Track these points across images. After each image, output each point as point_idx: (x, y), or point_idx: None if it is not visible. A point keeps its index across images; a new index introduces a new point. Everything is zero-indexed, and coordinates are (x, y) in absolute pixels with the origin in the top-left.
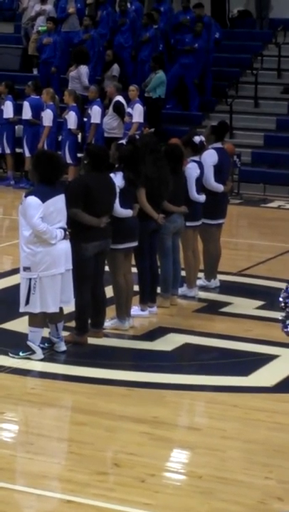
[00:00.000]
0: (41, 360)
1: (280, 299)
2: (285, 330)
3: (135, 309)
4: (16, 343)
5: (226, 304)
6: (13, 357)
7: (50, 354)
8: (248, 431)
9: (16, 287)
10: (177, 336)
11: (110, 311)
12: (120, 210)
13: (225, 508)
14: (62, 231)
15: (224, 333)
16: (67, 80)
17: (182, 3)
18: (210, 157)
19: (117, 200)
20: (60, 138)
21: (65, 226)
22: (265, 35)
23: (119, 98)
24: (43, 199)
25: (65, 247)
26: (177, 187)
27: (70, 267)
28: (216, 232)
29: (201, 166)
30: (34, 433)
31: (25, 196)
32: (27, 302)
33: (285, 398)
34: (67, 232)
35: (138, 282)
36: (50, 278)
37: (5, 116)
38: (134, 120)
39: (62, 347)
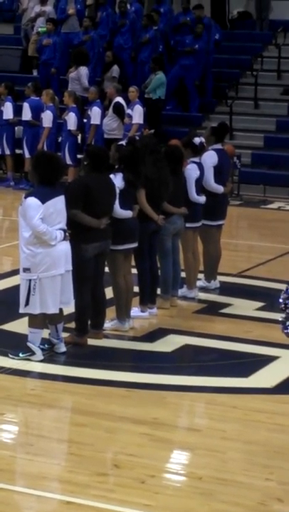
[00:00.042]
0: (41, 361)
1: (280, 300)
2: (285, 331)
3: (135, 310)
4: (16, 344)
5: (226, 305)
6: (13, 358)
7: (50, 355)
8: (248, 432)
9: (16, 288)
10: (177, 337)
11: (110, 312)
12: (120, 211)
13: (225, 510)
14: (62, 232)
15: (224, 335)
16: (67, 81)
17: (182, 4)
18: (210, 158)
19: (117, 201)
20: (59, 139)
21: (65, 227)
22: (265, 36)
23: (119, 99)
24: (43, 200)
25: (65, 248)
26: (177, 188)
27: (70, 268)
28: (216, 233)
29: (201, 167)
30: (34, 434)
31: (25, 197)
32: (27, 303)
33: (285, 399)
34: (67, 234)
35: (138, 283)
36: (50, 279)
37: (5, 117)
38: (134, 121)
39: (62, 348)
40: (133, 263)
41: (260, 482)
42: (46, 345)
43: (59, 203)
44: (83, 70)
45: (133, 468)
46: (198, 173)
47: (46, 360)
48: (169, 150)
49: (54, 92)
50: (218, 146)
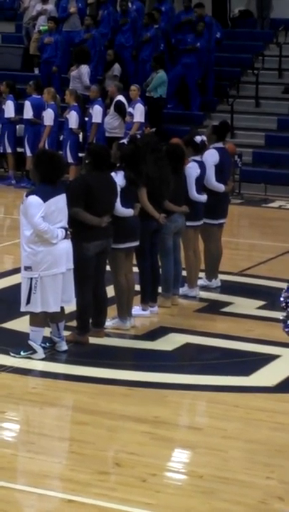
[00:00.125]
0: (42, 359)
1: (281, 299)
2: (286, 330)
3: (136, 309)
4: (17, 343)
5: (227, 303)
6: (15, 356)
7: (52, 354)
8: (250, 431)
9: (17, 287)
10: (178, 336)
11: (111, 310)
12: (121, 210)
13: (226, 508)
14: (64, 230)
15: (225, 333)
16: (68, 79)
17: (184, 2)
18: (211, 157)
19: (118, 200)
20: (61, 137)
21: (66, 226)
22: (266, 35)
23: (121, 98)
24: (45, 198)
25: (67, 246)
26: (178, 187)
27: (72, 266)
28: (217, 232)
29: (202, 166)
30: (35, 432)
31: (27, 196)
32: (28, 302)
33: (287, 398)
34: (68, 232)
35: (139, 282)
36: (52, 277)
37: (6, 115)
38: (135, 120)
39: (64, 346)
40: (134, 262)
41: (261, 481)
42: (47, 344)
43: (60, 201)
44: (84, 69)
45: (134, 467)
46: (198, 171)
47: (47, 358)
48: (171, 148)
49: (55, 91)
50: (220, 144)
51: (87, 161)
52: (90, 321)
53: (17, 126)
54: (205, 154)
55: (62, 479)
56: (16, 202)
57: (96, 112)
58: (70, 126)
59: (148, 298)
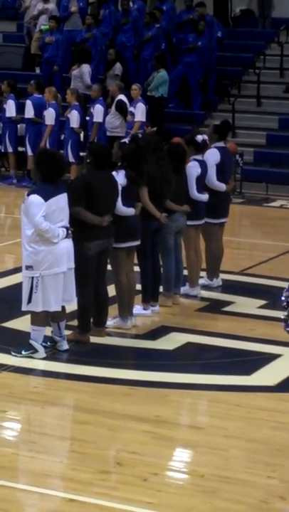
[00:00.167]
0: (44, 358)
1: (283, 298)
2: (288, 329)
3: (137, 308)
4: (19, 342)
5: (229, 303)
6: (16, 356)
7: (53, 353)
8: (251, 430)
9: (19, 286)
10: (179, 335)
11: (112, 309)
12: (122, 209)
13: (227, 507)
14: (65, 230)
15: (226, 333)
16: (69, 78)
17: (185, 2)
18: (212, 156)
19: (120, 199)
20: (62, 137)
21: (68, 225)
22: (268, 34)
23: (122, 97)
24: (46, 198)
25: (68, 245)
26: (179, 186)
27: (73, 265)
28: (219, 231)
29: (203, 165)
30: (37, 432)
31: (28, 195)
32: (29, 301)
33: (288, 397)
34: (69, 231)
35: (140, 281)
36: (53, 277)
37: (7, 115)
38: (136, 119)
39: (65, 346)
40: (135, 261)
41: (263, 480)
42: (49, 343)
43: (62, 200)
44: (86, 68)
45: (135, 466)
46: (199, 170)
47: (49, 357)
48: (172, 148)
49: (57, 90)
50: (221, 144)
51: (88, 161)
52: (91, 320)
53: (18, 126)
54: (206, 153)
55: (64, 478)
56: (17, 201)
57: (97, 111)
58: (71, 125)
59: (149, 297)
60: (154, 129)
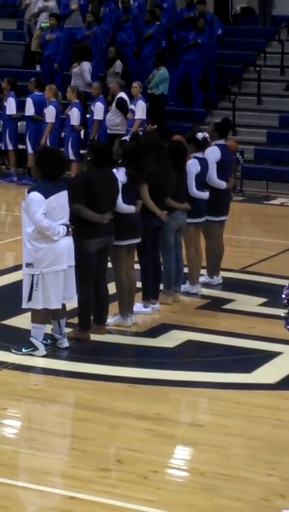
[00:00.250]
0: (44, 356)
1: (283, 296)
2: (288, 327)
3: (138, 306)
4: (19, 340)
5: (229, 300)
6: (16, 353)
7: (53, 350)
8: (251, 428)
9: (19, 283)
10: (180, 333)
11: (113, 307)
12: (123, 206)
13: (227, 505)
14: (65, 227)
15: (227, 330)
16: (70, 76)
17: None
18: (212, 154)
19: (120, 196)
20: (62, 134)
21: (68, 222)
22: (268, 32)
23: (122, 95)
24: (46, 195)
25: (68, 243)
26: (180, 184)
27: (73, 263)
28: (219, 229)
29: (203, 163)
30: (37, 429)
31: (28, 192)
32: (29, 298)
33: (288, 395)
34: (69, 229)
35: (141, 279)
36: (53, 274)
37: (8, 112)
38: (136, 117)
39: (65, 343)
40: (136, 258)
41: (263, 478)
42: (49, 341)
43: (62, 198)
44: (86, 65)
45: (136, 464)
46: (198, 168)
47: (49, 355)
48: (173, 145)
49: (57, 88)
50: (221, 141)
51: (89, 158)
52: (92, 317)
53: (18, 123)
54: (206, 151)
55: (64, 476)
56: (18, 199)
57: (98, 108)
58: (71, 123)
59: (149, 295)
60: (155, 126)
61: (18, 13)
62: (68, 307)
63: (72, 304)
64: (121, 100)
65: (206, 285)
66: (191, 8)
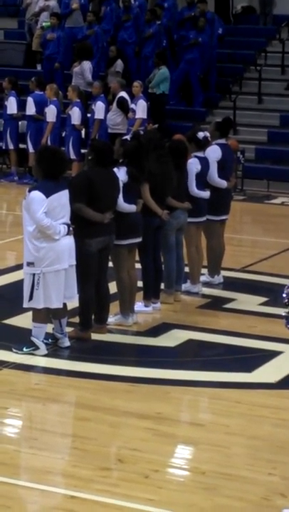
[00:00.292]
0: (45, 355)
1: (284, 295)
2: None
3: (139, 305)
4: (20, 339)
5: (230, 300)
6: (17, 352)
7: (54, 350)
8: (252, 427)
9: (20, 283)
10: (181, 332)
11: (114, 306)
12: (124, 205)
13: (228, 504)
14: (66, 226)
15: (228, 330)
16: (70, 75)
17: None
18: (213, 153)
19: (121, 196)
20: (63, 134)
21: (69, 222)
22: (269, 31)
23: (123, 94)
24: (47, 194)
25: (69, 242)
26: (181, 183)
27: (74, 262)
28: (220, 228)
29: (204, 162)
30: (38, 428)
31: (29, 191)
32: (30, 298)
33: None
34: (70, 228)
35: (142, 278)
36: (54, 274)
37: (8, 111)
38: (137, 116)
39: (66, 343)
40: (137, 258)
41: (264, 477)
42: (50, 340)
43: (63, 197)
44: (87, 65)
45: (137, 463)
46: (198, 167)
47: (50, 354)
48: (174, 145)
49: (58, 87)
50: (222, 140)
51: (89, 157)
52: (93, 317)
53: (19, 123)
54: (207, 150)
55: (65, 475)
56: (19, 198)
57: (98, 108)
58: (72, 122)
59: (150, 294)
60: (156, 126)
61: (19, 12)
62: (69, 306)
63: (73, 303)
64: (122, 99)
65: (206, 284)
66: (191, 7)
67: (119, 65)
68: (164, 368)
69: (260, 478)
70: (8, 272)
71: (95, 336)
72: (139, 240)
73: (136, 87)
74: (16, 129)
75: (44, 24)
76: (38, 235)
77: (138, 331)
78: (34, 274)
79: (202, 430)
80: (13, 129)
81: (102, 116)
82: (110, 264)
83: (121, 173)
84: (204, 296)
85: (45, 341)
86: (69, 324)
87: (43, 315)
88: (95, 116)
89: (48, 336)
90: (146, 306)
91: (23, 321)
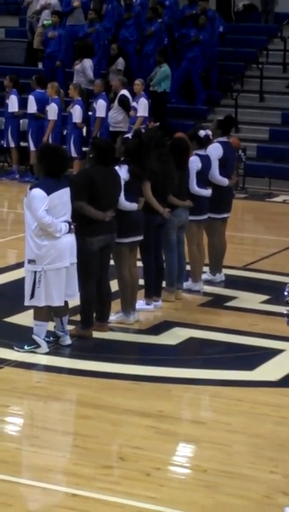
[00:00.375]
0: (46, 353)
1: (285, 293)
2: None
3: (140, 303)
4: (21, 337)
5: (231, 298)
6: (18, 351)
7: (55, 348)
8: (254, 425)
9: (21, 281)
10: (182, 330)
11: (115, 304)
12: (125, 204)
13: (230, 502)
14: (67, 224)
15: (229, 328)
16: (72, 73)
17: None
18: (215, 150)
19: (122, 194)
20: (65, 132)
21: (70, 220)
22: (271, 29)
23: (124, 92)
24: (48, 192)
25: (70, 240)
26: (182, 181)
27: (75, 260)
28: (221, 226)
29: (205, 160)
30: (39, 426)
31: (30, 189)
32: (32, 296)
33: None
34: (72, 226)
35: (143, 276)
36: (55, 271)
37: (10, 110)
38: (138, 114)
39: (67, 341)
40: (138, 256)
41: (266, 475)
42: (51, 338)
43: (64, 195)
44: (88, 63)
45: (138, 461)
46: (199, 165)
47: (51, 352)
48: (175, 143)
49: (59, 85)
50: (224, 138)
51: (91, 156)
52: (94, 315)
53: (21, 121)
54: (209, 148)
55: (66, 473)
56: (20, 196)
57: (100, 106)
58: (73, 120)
59: (152, 292)
60: (157, 124)
61: (20, 10)
62: (70, 304)
63: (75, 301)
64: (123, 98)
65: (208, 282)
66: (193, 5)
67: (120, 63)
68: (165, 366)
69: (262, 476)
70: (10, 270)
71: (96, 334)
72: (140, 238)
73: (137, 85)
74: (17, 127)
75: (45, 22)
76: (40, 232)
77: (139, 329)
78: (35, 272)
79: (203, 428)
80: (15, 127)
81: (103, 115)
82: (112, 262)
83: (122, 171)
84: (206, 294)
85: (46, 339)
86: (70, 322)
87: (44, 313)
88: (97, 115)
89: (49, 334)
90: (147, 304)
91: (24, 319)
